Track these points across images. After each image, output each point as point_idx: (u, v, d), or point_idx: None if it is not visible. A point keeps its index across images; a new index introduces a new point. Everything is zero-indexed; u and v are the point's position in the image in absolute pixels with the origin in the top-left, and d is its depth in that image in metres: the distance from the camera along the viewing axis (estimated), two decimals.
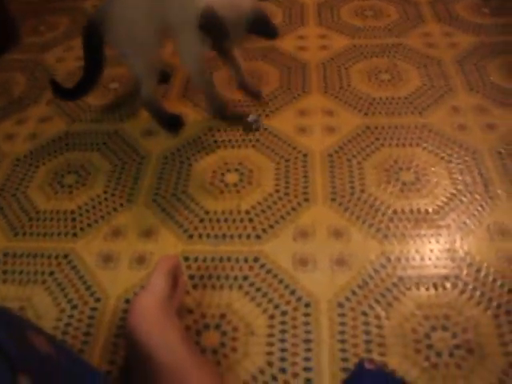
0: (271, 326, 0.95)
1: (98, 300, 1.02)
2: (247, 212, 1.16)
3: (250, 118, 1.36)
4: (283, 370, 0.89)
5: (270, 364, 0.90)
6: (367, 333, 0.93)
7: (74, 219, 1.18)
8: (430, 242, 1.07)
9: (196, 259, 1.07)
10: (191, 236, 1.12)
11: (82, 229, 1.16)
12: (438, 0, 1.79)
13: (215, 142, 1.33)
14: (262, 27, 1.12)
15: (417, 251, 1.05)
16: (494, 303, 0.96)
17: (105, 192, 1.23)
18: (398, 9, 1.76)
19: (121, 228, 1.15)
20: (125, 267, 1.08)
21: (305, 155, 1.26)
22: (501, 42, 1.59)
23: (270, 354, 0.91)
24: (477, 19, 1.69)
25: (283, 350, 0.92)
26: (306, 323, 0.95)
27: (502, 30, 1.64)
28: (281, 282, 1.02)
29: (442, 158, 1.24)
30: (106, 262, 1.09)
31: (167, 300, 0.85)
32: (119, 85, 1.57)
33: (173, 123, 1.38)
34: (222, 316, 0.97)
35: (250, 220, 1.14)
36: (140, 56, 1.27)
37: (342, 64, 1.54)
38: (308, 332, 0.94)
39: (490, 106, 1.37)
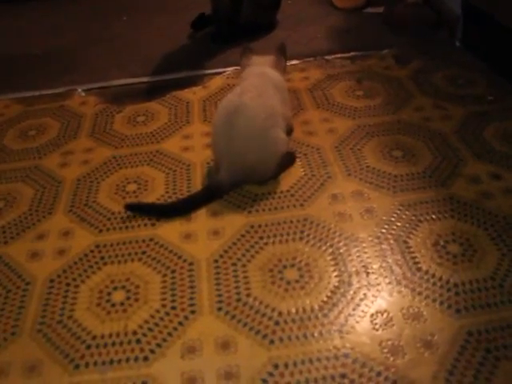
0: None
1: None
2: (134, 333, 1.13)
3: None
4: None
5: None
6: None
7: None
8: (316, 342, 1.08)
9: None
10: (77, 366, 1.09)
11: None
12: (316, 87, 1.89)
13: (102, 258, 1.31)
14: None
15: (303, 353, 1.06)
16: None
17: None
18: None
19: (3, 366, 1.10)
20: None
21: (190, 264, 1.27)
22: (374, 123, 1.69)
23: None
24: (352, 103, 1.80)
25: None
26: None
27: (375, 112, 1.74)
28: None
29: (325, 250, 1.27)
30: None
31: None
32: (4, 204, 1.53)
33: None
34: None
35: (138, 341, 1.12)
36: None
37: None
38: None
39: (367, 190, 1.44)
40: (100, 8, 2.82)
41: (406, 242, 1.28)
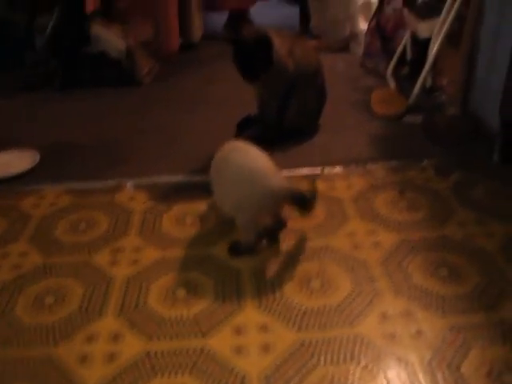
0: None
1: None
2: None
3: None
4: None
5: None
6: None
7: None
8: None
9: None
10: None
11: None
12: (359, 197, 1.94)
13: (152, 368, 1.32)
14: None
15: None
16: None
17: None
18: (324, 208, 1.89)
19: None
20: None
21: (243, 378, 1.27)
22: (419, 238, 1.72)
23: None
24: (395, 215, 1.84)
25: None
26: None
27: (419, 226, 1.78)
28: None
29: (377, 373, 1.27)
30: None
31: None
32: (54, 299, 1.56)
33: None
34: None
35: None
36: None
37: (275, 272, 1.61)
38: None
39: (416, 309, 1.45)
40: (145, 99, 2.96)
41: (458, 369, 1.27)
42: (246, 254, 1.67)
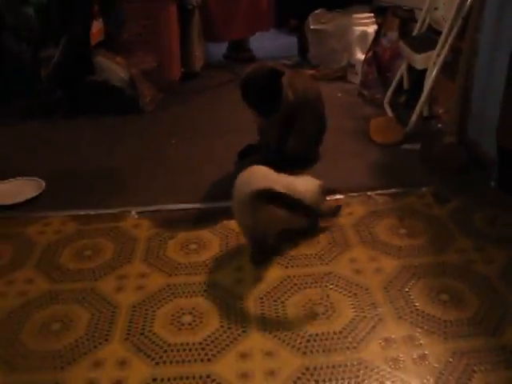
0: None
1: None
2: None
3: None
4: None
5: None
6: None
7: None
8: None
9: None
10: None
11: None
12: (360, 223, 1.98)
13: None
14: None
15: None
16: None
17: None
18: (326, 235, 1.93)
19: None
20: None
21: None
22: (419, 264, 1.75)
23: None
24: (396, 241, 1.87)
25: None
26: None
27: (419, 253, 1.81)
28: None
29: None
30: None
31: None
32: (60, 326, 1.58)
33: None
34: None
35: None
36: None
37: (278, 298, 1.64)
38: None
39: (418, 334, 1.47)
40: (148, 127, 3.01)
41: None
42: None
